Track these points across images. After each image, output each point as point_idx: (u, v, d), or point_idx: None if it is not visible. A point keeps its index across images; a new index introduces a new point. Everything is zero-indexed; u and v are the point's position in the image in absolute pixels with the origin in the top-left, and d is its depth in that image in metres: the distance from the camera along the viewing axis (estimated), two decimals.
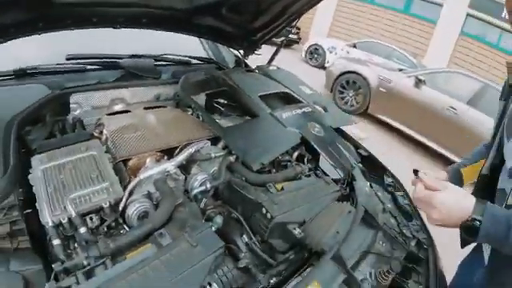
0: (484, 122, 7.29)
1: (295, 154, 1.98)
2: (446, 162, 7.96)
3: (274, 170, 1.82)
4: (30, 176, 1.39)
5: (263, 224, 1.42)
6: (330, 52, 14.35)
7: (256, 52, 2.77)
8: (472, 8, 17.82)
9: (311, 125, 2.09)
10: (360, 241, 1.53)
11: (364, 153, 2.33)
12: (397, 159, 6.97)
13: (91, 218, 1.26)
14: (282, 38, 2.92)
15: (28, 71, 1.99)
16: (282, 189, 1.60)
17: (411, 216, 2.03)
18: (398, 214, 1.99)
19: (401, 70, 9.40)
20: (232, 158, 1.70)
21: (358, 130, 7.55)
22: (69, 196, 1.27)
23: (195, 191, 1.53)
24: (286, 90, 2.42)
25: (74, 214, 1.22)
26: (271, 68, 2.74)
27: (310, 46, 14.99)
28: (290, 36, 16.58)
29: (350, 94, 8.75)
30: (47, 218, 1.20)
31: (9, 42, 1.77)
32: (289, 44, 17.18)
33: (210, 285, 1.14)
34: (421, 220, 2.02)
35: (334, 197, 1.75)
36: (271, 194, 1.51)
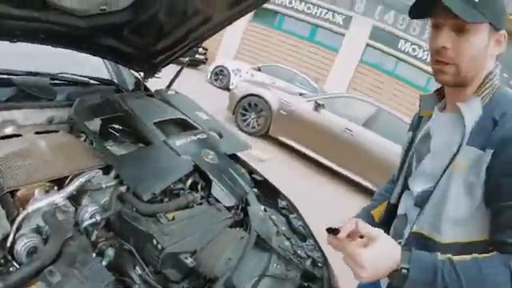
0: (378, 142, 8.28)
1: (189, 182, 2.00)
2: (346, 180, 8.57)
3: (167, 199, 1.83)
4: None
5: (155, 255, 1.44)
6: (235, 74, 14.70)
7: (156, 75, 2.78)
8: (371, 39, 19.59)
9: (205, 152, 2.14)
10: (254, 265, 1.61)
11: (259, 178, 2.43)
12: (298, 180, 7.27)
13: None
14: (187, 59, 2.94)
15: None
16: (173, 218, 1.62)
17: (305, 237, 2.16)
18: (292, 236, 2.10)
19: (301, 94, 9.99)
20: (123, 188, 1.68)
21: (260, 151, 7.75)
22: None
23: (85, 223, 1.49)
24: (182, 117, 2.45)
25: None
26: (169, 93, 2.77)
27: (216, 68, 15.32)
28: (197, 56, 16.79)
29: (252, 117, 9.09)
30: None
31: None
32: (195, 64, 17.34)
33: None
34: (314, 240, 2.15)
35: (226, 224, 1.81)
36: (161, 225, 1.53)
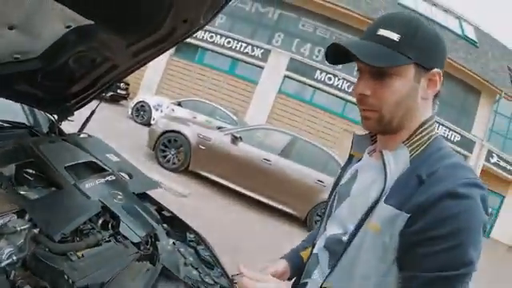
0: (295, 169, 8.87)
1: (100, 221, 2.14)
2: (267, 208, 8.91)
3: (78, 239, 1.96)
4: None
5: None
6: (156, 110, 14.66)
7: (69, 118, 2.88)
8: (289, 70, 20.64)
9: (113, 193, 2.29)
10: None
11: (168, 214, 2.61)
12: (215, 211, 7.45)
13: None
14: (108, 94, 3.06)
15: None
16: (83, 256, 1.77)
17: (213, 265, 2.34)
18: (200, 265, 2.29)
19: (219, 128, 10.25)
20: (36, 230, 1.80)
21: (180, 187, 7.86)
22: None
23: (3, 264, 1.60)
24: (93, 159, 2.59)
25: None
26: (82, 136, 2.90)
27: (137, 103, 15.20)
28: (119, 91, 16.62)
29: (172, 152, 9.29)
30: None
31: None
32: (117, 99, 17.15)
33: None
34: (221, 267, 2.35)
35: (133, 258, 1.96)
36: (72, 262, 1.68)
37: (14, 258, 1.64)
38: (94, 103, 2.86)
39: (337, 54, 1.19)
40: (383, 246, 1.07)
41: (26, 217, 1.88)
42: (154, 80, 21.25)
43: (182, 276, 2.04)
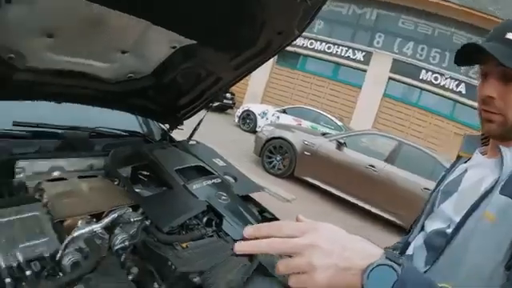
0: (401, 177, 8.47)
1: (205, 219, 2.37)
2: (370, 216, 8.77)
3: (183, 232, 2.20)
4: None
5: (169, 274, 1.81)
6: (262, 117, 14.84)
7: (179, 127, 3.20)
8: (393, 72, 19.65)
9: (219, 194, 2.50)
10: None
11: (269, 215, 2.75)
12: (321, 217, 7.49)
13: (35, 264, 1.65)
14: (216, 104, 3.33)
15: None
16: (187, 247, 2.01)
17: None
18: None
19: (324, 134, 10.21)
20: (148, 222, 2.09)
21: (285, 192, 8.03)
22: (18, 246, 1.67)
23: (117, 247, 1.92)
24: (201, 164, 2.83)
25: (22, 260, 1.62)
26: (191, 143, 3.16)
27: (243, 112, 15.51)
28: (225, 101, 17.20)
29: (278, 159, 9.57)
30: (1, 262, 1.59)
31: None
32: (224, 109, 17.74)
33: None
34: None
35: (232, 253, 2.09)
36: (176, 251, 1.91)
37: (127, 243, 1.95)
38: (201, 113, 3.13)
39: (462, 55, 1.20)
40: (498, 235, 1.03)
41: (140, 210, 2.19)
42: (258, 89, 21.53)
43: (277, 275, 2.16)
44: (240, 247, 0.79)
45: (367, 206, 8.81)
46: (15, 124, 2.50)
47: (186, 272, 1.81)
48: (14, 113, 2.55)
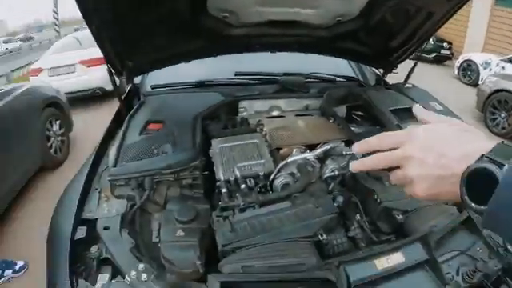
0: None
1: None
2: None
3: None
4: (210, 151, 2.09)
5: (374, 207, 1.83)
6: (484, 68, 12.62)
7: (394, 71, 3.13)
8: None
9: None
10: (457, 242, 1.68)
11: None
12: None
13: (250, 181, 1.87)
14: (433, 55, 3.14)
15: (206, 83, 2.83)
16: (395, 184, 1.98)
17: None
18: None
19: None
20: (359, 156, 2.11)
21: None
22: (237, 165, 1.91)
23: (326, 175, 2.01)
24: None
25: (239, 176, 1.85)
26: (406, 86, 3.06)
27: (463, 62, 13.60)
28: (442, 51, 15.48)
29: (502, 116, 7.71)
30: (221, 176, 1.86)
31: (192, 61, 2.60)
32: (441, 60, 15.99)
33: (321, 235, 1.59)
34: None
35: None
36: (384, 186, 1.90)
37: (336, 173, 2.02)
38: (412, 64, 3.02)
39: None
40: None
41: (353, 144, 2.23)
42: (477, 36, 17.99)
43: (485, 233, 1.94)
44: (352, 166, 0.78)
45: None
46: (237, 74, 2.92)
47: (390, 208, 1.79)
48: (237, 65, 2.97)
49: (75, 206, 1.72)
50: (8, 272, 3.53)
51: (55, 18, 20.18)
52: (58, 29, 20.40)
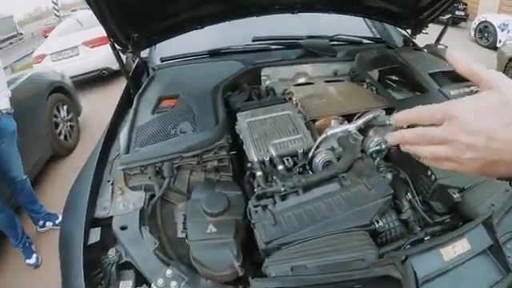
0: None
1: None
2: None
3: None
4: (236, 127, 1.82)
5: (427, 185, 1.59)
6: (502, 30, 12.33)
7: (423, 31, 2.88)
8: None
9: None
10: None
11: None
12: None
13: (287, 160, 1.59)
14: (449, 16, 2.93)
15: (222, 51, 2.53)
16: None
17: None
18: None
19: None
20: (404, 126, 1.86)
21: None
22: (271, 142, 1.64)
23: (371, 150, 1.76)
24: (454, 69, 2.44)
25: (274, 155, 1.58)
26: (439, 47, 2.81)
27: (479, 24, 13.30)
28: (457, 13, 15.11)
29: None
30: (253, 157, 1.59)
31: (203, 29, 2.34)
32: (455, 22, 15.57)
33: (377, 222, 1.35)
34: None
35: None
36: None
37: (383, 146, 1.76)
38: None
39: None
40: None
41: (394, 114, 1.95)
42: None
43: None
44: (390, 138, 0.70)
45: None
46: (255, 39, 2.60)
47: (446, 185, 1.56)
48: (254, 30, 2.66)
49: (86, 205, 1.49)
50: (49, 224, 3.88)
51: (54, 2, 19.93)
52: (57, 13, 20.20)
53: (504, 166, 0.59)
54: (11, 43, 20.10)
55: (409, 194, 1.62)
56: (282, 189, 1.43)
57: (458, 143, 0.60)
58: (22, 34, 22.86)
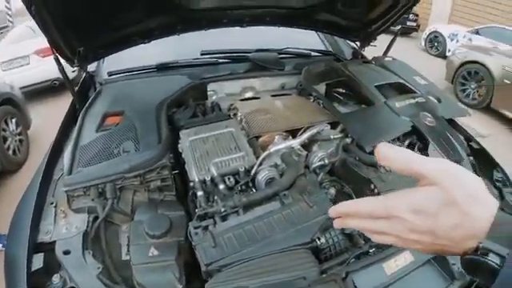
0: None
1: (406, 142, 2.12)
2: None
3: None
4: (179, 145, 1.81)
5: None
6: (451, 40, 13.23)
7: (372, 43, 2.93)
8: None
9: (423, 115, 2.18)
10: None
11: (476, 146, 2.37)
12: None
13: (229, 179, 1.59)
14: (399, 27, 3.02)
15: (169, 65, 2.50)
16: (391, 171, 1.76)
17: None
18: (504, 210, 2.05)
19: None
20: (348, 140, 1.91)
21: (479, 126, 7.25)
22: (212, 161, 1.64)
23: (314, 165, 1.78)
24: (401, 81, 2.52)
25: (215, 174, 1.58)
26: (387, 59, 2.87)
27: (429, 34, 14.06)
28: (408, 23, 15.85)
29: (472, 86, 7.99)
30: (194, 176, 1.58)
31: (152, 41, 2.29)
32: (407, 32, 16.29)
33: (318, 239, 1.37)
34: None
35: None
36: (380, 173, 1.70)
37: (326, 161, 1.78)
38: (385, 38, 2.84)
39: None
40: None
41: (339, 128, 2.01)
42: (444, 8, 18.96)
43: None
44: (331, 212, 0.70)
45: None
46: (203, 53, 2.59)
47: None
48: (202, 43, 2.64)
49: (29, 229, 1.45)
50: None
51: (7, 7, 19.29)
52: (10, 19, 19.55)
53: (450, 252, 0.59)
54: None
55: None
56: (223, 209, 1.43)
57: (407, 240, 0.61)
58: None
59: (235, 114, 2.07)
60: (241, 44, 2.71)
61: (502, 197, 2.11)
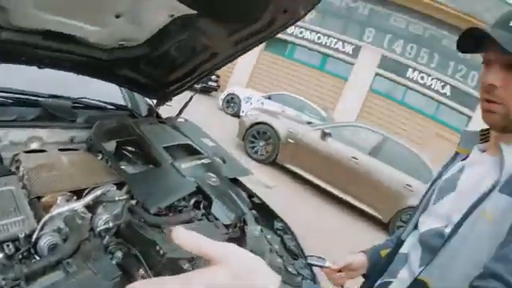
0: (383, 171, 8.54)
1: (192, 201, 2.20)
2: (350, 207, 8.75)
3: (171, 214, 2.03)
4: None
5: (157, 260, 1.64)
6: (246, 102, 14.80)
7: (167, 103, 3.04)
8: (380, 68, 20.03)
9: (208, 175, 2.33)
10: None
11: (257, 201, 2.62)
12: (301, 206, 7.46)
13: (8, 246, 1.44)
14: (199, 85, 3.18)
15: None
16: None
17: (297, 255, 2.32)
18: (285, 254, 2.27)
19: (309, 123, 10.21)
20: (133, 202, 1.91)
21: (267, 178, 7.94)
22: None
23: (99, 229, 1.73)
24: (189, 142, 2.66)
25: None
26: (179, 120, 2.98)
27: (227, 95, 15.47)
28: (210, 83, 17.08)
29: (261, 144, 9.30)
30: None
31: None
32: (208, 91, 17.58)
33: None
34: (305, 259, 2.30)
35: (222, 238, 1.99)
36: (164, 234, 1.74)
37: (110, 224, 1.76)
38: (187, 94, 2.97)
39: (466, 42, 1.18)
40: (494, 234, 1.00)
41: (124, 189, 2.00)
42: (244, 73, 21.51)
43: (266, 262, 2.04)
44: None
45: (347, 198, 8.91)
46: None
47: (175, 258, 1.64)
48: None
49: None
50: None
51: None
52: None
53: None
54: None
55: (141, 269, 1.63)
56: (3, 282, 1.29)
57: None
58: None
59: (18, 168, 1.88)
60: (34, 87, 2.47)
61: (284, 244, 2.37)
